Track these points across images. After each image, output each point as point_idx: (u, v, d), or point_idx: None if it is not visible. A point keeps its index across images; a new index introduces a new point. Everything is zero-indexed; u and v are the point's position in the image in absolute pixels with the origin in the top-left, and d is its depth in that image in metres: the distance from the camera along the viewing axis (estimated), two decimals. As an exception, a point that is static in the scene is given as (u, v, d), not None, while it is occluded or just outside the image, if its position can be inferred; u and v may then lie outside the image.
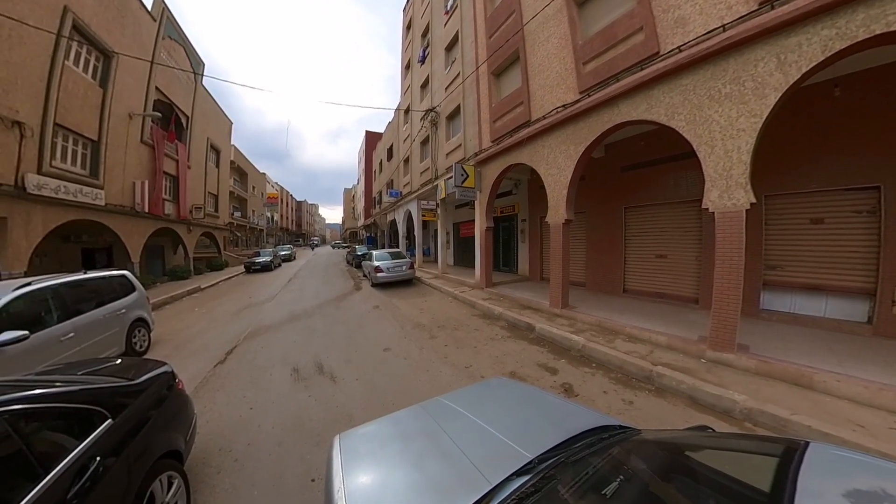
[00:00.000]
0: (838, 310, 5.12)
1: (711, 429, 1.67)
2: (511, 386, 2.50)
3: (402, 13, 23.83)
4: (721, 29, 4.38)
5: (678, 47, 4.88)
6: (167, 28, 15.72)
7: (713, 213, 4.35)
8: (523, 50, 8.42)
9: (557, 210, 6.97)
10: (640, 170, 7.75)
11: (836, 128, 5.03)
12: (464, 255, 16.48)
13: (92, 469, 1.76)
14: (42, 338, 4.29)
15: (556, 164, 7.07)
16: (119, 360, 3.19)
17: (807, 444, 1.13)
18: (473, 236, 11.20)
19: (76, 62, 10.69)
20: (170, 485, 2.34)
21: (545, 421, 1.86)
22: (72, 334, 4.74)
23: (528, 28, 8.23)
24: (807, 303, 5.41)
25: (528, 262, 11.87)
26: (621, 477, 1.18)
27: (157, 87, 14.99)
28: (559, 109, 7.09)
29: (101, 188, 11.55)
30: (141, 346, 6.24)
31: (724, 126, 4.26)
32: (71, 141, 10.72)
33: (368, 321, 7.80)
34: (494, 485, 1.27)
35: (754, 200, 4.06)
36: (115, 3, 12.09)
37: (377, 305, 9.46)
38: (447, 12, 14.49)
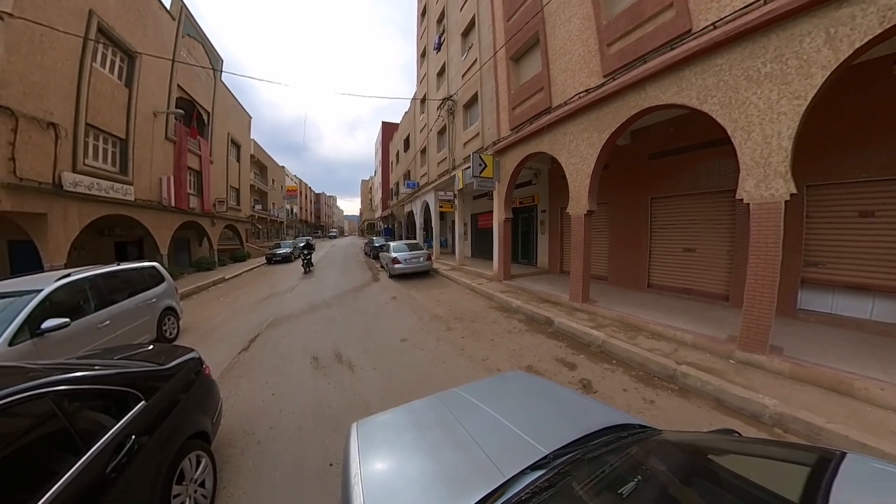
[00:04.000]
0: (887, 312, 4.70)
1: (738, 433, 1.58)
2: (528, 380, 2.47)
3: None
4: (762, 1, 4.03)
5: (712, 24, 4.53)
6: (186, 26, 16.04)
7: (748, 204, 4.06)
8: (543, 32, 8.10)
9: (579, 201, 6.76)
10: (669, 157, 7.37)
11: (893, 109, 4.56)
12: (482, 247, 16.37)
13: (128, 446, 1.89)
14: (81, 325, 4.56)
15: (578, 153, 6.83)
16: (151, 347, 3.37)
17: (843, 454, 1.05)
18: (491, 228, 11.08)
19: (103, 64, 11.09)
20: (198, 463, 2.48)
21: (562, 416, 1.83)
22: (108, 322, 5.02)
23: (549, 9, 7.90)
24: (850, 303, 5.00)
25: (547, 254, 11.66)
26: (639, 477, 1.14)
27: (178, 85, 15.38)
28: (582, 95, 6.80)
29: (131, 184, 12.08)
30: (170, 334, 6.56)
31: (762, 109, 3.95)
32: (101, 140, 11.22)
33: (386, 312, 7.90)
34: (508, 477, 1.25)
35: (795, 191, 3.75)
36: (137, 4, 12.43)
37: (394, 296, 9.55)
38: None
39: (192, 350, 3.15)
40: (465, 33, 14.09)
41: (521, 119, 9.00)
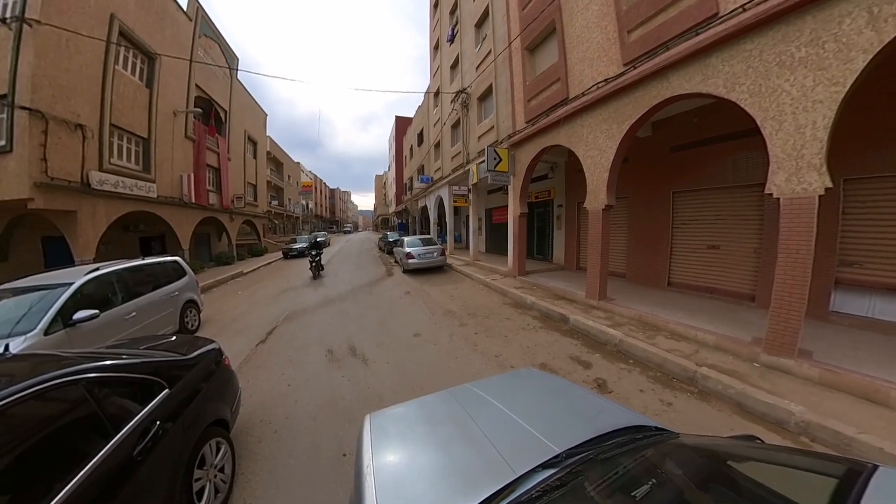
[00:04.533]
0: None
1: (760, 439, 1.51)
2: (541, 377, 2.44)
3: None
4: None
5: (741, 6, 4.27)
6: (202, 27, 16.45)
7: (778, 199, 3.83)
8: (560, 21, 7.86)
9: (597, 195, 6.59)
10: (692, 150, 7.08)
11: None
12: (496, 242, 16.26)
13: (153, 431, 1.99)
14: (109, 316, 4.80)
15: (596, 145, 6.65)
16: (174, 337, 3.51)
17: (875, 467, 0.99)
18: (506, 223, 10.98)
19: (124, 66, 11.53)
20: (218, 449, 2.58)
21: (575, 415, 1.79)
22: (134, 313, 5.26)
23: None
24: (890, 306, 4.66)
25: (563, 249, 11.44)
26: (654, 480, 1.11)
27: (196, 85, 15.83)
28: (600, 84, 6.59)
29: (153, 182, 12.55)
30: (192, 325, 6.80)
31: (796, 97, 3.71)
32: (125, 139, 11.70)
33: (399, 306, 7.96)
34: (519, 475, 1.24)
35: (830, 185, 3.49)
36: (155, 6, 12.82)
37: (408, 291, 9.61)
38: None
39: (212, 341, 3.26)
40: (479, 24, 13.90)
41: (537, 111, 8.82)
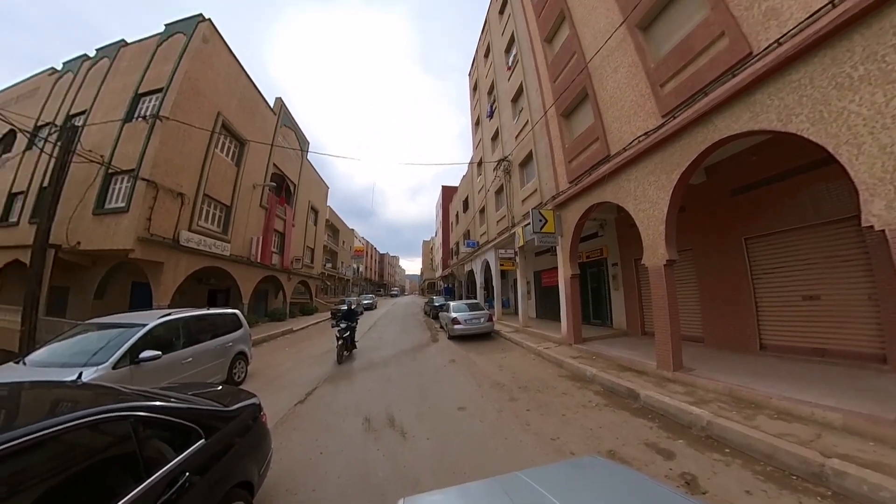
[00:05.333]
0: None
1: None
2: (610, 469, 1.94)
3: (467, 77, 26.48)
4: (830, 5, 3.63)
5: (776, 41, 4.17)
6: (283, 119, 20.52)
7: (882, 230, 3.22)
8: (591, 86, 8.27)
9: (655, 250, 6.07)
10: (757, 190, 6.51)
11: None
12: (547, 307, 15.34)
13: (180, 483, 1.90)
14: (169, 359, 5.12)
15: (646, 198, 6.33)
16: (220, 387, 3.59)
17: None
18: (557, 285, 10.38)
19: (221, 149, 14.37)
20: (238, 515, 2.37)
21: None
22: (190, 359, 5.55)
23: (593, 64, 8.15)
24: None
25: (624, 312, 10.44)
26: None
27: (274, 164, 19.06)
28: (641, 138, 6.53)
29: (228, 242, 14.50)
30: (239, 377, 6.93)
31: (868, 116, 3.31)
32: (212, 206, 14.01)
33: (443, 375, 7.45)
34: None
35: None
36: (250, 105, 16.30)
37: (453, 359, 9.08)
38: (509, 68, 15.56)
39: (254, 395, 3.23)
40: (515, 99, 15.10)
41: (579, 171, 8.84)
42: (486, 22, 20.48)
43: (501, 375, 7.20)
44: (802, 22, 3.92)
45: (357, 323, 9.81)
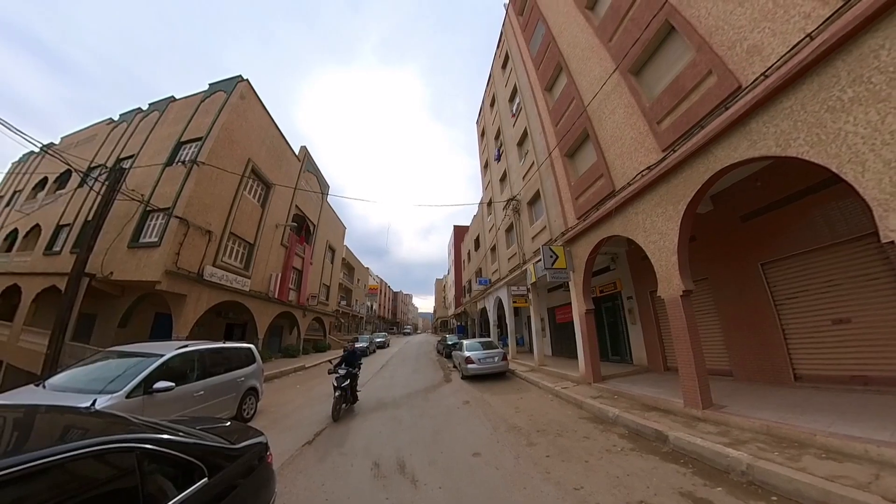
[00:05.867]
0: None
1: None
2: None
3: (475, 125, 28.43)
4: (808, 38, 3.87)
5: (762, 74, 4.42)
6: (307, 164, 22.08)
7: None
8: (591, 128, 8.69)
9: (670, 281, 5.94)
10: (767, 214, 6.48)
11: None
12: (563, 344, 14.80)
13: None
14: (182, 391, 5.12)
15: (655, 230, 6.33)
16: (228, 423, 3.47)
17: None
18: (572, 321, 10.09)
19: (249, 191, 15.41)
20: (234, 565, 2.19)
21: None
22: (202, 392, 5.54)
23: (591, 108, 8.63)
24: None
25: (643, 348, 9.97)
26: None
27: (296, 205, 20.15)
28: (644, 173, 6.70)
29: (249, 278, 14.99)
30: (248, 414, 6.79)
31: (866, 135, 3.37)
32: (236, 244, 14.73)
33: (457, 418, 7.09)
34: None
35: None
36: (277, 152, 17.70)
37: (467, 401, 8.67)
38: (513, 115, 16.60)
39: (261, 434, 3.14)
40: (520, 143, 15.86)
41: (587, 207, 8.98)
42: (490, 75, 22.19)
43: (518, 418, 6.81)
44: (784, 55, 4.18)
45: (359, 370, 8.32)
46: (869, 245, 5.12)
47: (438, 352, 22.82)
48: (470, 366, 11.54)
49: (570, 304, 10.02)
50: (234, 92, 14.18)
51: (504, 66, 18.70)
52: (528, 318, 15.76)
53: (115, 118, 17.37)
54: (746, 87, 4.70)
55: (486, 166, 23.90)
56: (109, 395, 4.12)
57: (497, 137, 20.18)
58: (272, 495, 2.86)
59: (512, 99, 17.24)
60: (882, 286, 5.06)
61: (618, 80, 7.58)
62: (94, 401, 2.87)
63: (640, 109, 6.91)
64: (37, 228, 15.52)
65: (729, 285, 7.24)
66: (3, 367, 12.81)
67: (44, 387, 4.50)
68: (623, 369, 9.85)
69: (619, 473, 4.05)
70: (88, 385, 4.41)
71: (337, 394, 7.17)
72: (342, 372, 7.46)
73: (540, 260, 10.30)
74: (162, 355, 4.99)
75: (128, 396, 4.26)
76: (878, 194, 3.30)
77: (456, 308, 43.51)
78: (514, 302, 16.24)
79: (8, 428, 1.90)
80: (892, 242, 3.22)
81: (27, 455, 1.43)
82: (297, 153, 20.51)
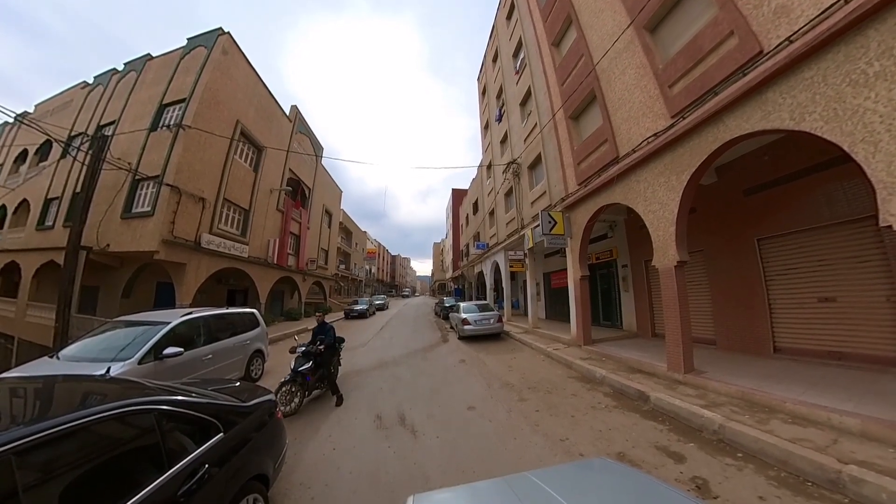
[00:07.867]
0: None
1: None
2: (619, 471, 1.97)
3: (476, 82, 26.61)
4: (842, 1, 3.56)
5: (787, 38, 4.10)
6: (299, 126, 21.10)
7: None
8: (599, 88, 8.25)
9: (666, 251, 6.02)
10: (770, 190, 6.37)
11: None
12: (557, 308, 15.24)
13: (200, 474, 1.99)
14: (191, 355, 5.33)
15: (656, 199, 6.28)
16: (238, 383, 3.68)
17: None
18: (566, 287, 10.33)
19: (240, 155, 14.84)
20: (254, 505, 2.44)
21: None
22: (210, 356, 5.76)
23: (601, 66, 8.13)
24: None
25: (634, 314, 10.31)
26: None
27: (290, 168, 19.49)
28: (650, 139, 6.49)
29: (247, 244, 14.91)
30: (256, 374, 7.16)
31: (885, 113, 3.24)
32: (231, 210, 14.46)
33: (454, 375, 7.52)
34: None
35: None
36: (266, 113, 16.77)
37: (463, 359, 9.13)
38: (517, 72, 15.53)
39: (270, 392, 3.35)
40: (523, 103, 15.09)
41: (588, 173, 8.80)
42: (493, 27, 20.54)
43: (511, 376, 7.23)
44: (814, 19, 3.86)
45: (338, 353, 6.61)
46: (866, 228, 5.13)
47: (436, 313, 23.47)
48: (466, 327, 11.99)
49: (566, 270, 10.20)
50: (214, 47, 13.07)
51: (509, 16, 17.29)
52: (525, 282, 16.11)
53: (90, 81, 16.09)
54: (768, 53, 4.39)
55: (486, 127, 22.98)
56: (122, 363, 4.28)
57: (499, 96, 19.14)
58: (284, 446, 3.12)
59: (516, 54, 16.10)
60: (870, 268, 5.16)
61: (631, 36, 7.07)
62: (108, 368, 3.01)
63: (652, 70, 6.51)
64: (25, 203, 14.97)
65: (723, 258, 7.31)
66: (16, 342, 13.10)
67: (58, 358, 4.66)
68: (613, 334, 10.27)
69: (602, 428, 4.42)
70: (101, 354, 4.58)
71: (286, 378, 5.17)
72: (301, 350, 5.67)
73: (538, 225, 10.28)
74: (167, 323, 5.14)
75: (140, 363, 4.43)
76: (886, 177, 3.25)
77: (453, 271, 44.09)
78: (511, 266, 16.45)
79: (31, 397, 2.04)
80: (890, 226, 3.22)
81: (54, 420, 1.53)
82: (287, 114, 19.49)
